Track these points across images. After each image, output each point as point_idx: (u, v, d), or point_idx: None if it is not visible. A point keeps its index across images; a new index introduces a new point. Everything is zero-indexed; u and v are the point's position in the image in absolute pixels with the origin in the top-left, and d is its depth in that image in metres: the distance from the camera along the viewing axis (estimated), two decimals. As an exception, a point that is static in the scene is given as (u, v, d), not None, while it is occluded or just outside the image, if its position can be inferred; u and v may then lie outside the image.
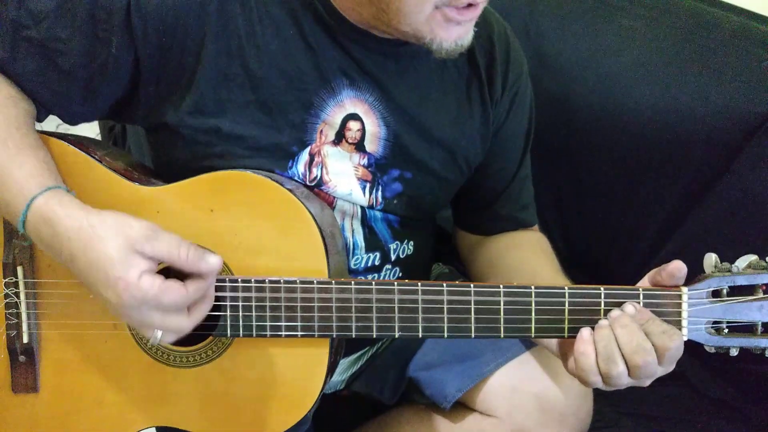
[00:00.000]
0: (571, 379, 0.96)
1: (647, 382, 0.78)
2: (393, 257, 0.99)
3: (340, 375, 1.11)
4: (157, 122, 0.88)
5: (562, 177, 1.45)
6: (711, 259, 0.80)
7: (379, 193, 0.95)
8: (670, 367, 0.78)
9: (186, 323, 0.74)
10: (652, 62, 1.33)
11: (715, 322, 0.79)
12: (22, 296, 0.85)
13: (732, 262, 0.80)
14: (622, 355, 0.75)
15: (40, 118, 0.87)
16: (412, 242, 1.02)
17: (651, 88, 1.32)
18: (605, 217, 1.41)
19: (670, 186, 1.34)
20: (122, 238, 0.71)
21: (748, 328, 0.79)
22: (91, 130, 1.82)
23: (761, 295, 0.78)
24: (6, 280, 0.85)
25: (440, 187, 1.00)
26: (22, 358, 0.86)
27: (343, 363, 1.10)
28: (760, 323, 0.79)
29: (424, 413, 1.09)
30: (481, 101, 0.98)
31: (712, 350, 0.81)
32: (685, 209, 1.33)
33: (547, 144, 1.39)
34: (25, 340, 0.86)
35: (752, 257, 0.80)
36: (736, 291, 0.79)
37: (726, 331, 0.79)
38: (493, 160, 1.04)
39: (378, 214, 0.96)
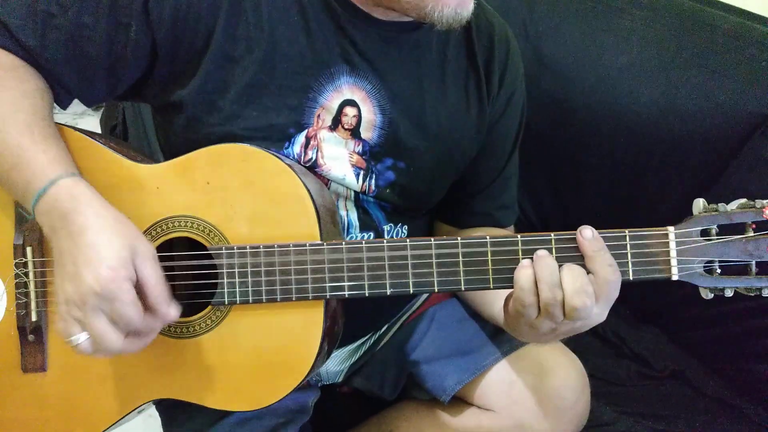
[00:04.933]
0: (569, 372, 0.98)
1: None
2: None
3: (340, 365, 1.12)
4: (166, 101, 0.92)
5: (561, 177, 1.46)
6: (699, 202, 0.80)
7: (372, 181, 0.97)
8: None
9: (117, 345, 0.76)
10: (650, 62, 1.35)
11: (707, 263, 0.79)
12: (31, 275, 0.89)
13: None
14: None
15: (63, 105, 0.92)
16: (406, 226, 1.03)
17: (650, 89, 1.34)
18: (604, 217, 1.42)
19: (669, 186, 1.35)
20: (133, 244, 0.77)
21: (741, 270, 0.78)
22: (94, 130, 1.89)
23: (752, 234, 0.77)
24: (16, 260, 0.89)
25: (433, 179, 1.02)
26: (31, 336, 0.89)
27: (342, 353, 1.11)
28: (754, 263, 0.78)
29: (423, 409, 1.09)
30: (478, 96, 1.01)
31: (708, 294, 0.80)
32: (683, 209, 1.28)
33: (547, 144, 1.42)
34: (34, 318, 0.89)
35: (742, 200, 0.80)
36: (726, 231, 0.78)
37: (719, 272, 0.78)
38: (481, 157, 1.05)
39: (370, 199, 0.98)
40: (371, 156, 0.96)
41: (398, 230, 1.02)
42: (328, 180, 0.95)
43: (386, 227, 1.01)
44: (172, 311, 0.79)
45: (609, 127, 1.38)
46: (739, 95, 1.27)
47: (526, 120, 1.09)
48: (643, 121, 1.35)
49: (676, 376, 1.34)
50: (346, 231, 0.97)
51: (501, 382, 1.02)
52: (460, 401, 1.06)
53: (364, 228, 0.98)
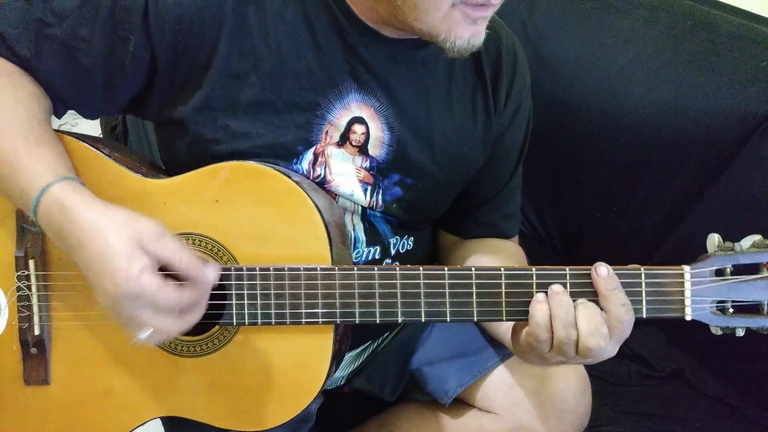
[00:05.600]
0: (570, 375, 0.98)
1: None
2: (393, 251, 1.00)
3: (343, 370, 1.12)
4: (168, 118, 0.90)
5: (561, 177, 1.46)
6: (714, 239, 0.80)
7: (380, 196, 0.96)
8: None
9: (175, 327, 0.75)
10: (650, 62, 1.35)
11: (719, 302, 0.79)
12: (34, 288, 0.87)
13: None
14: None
15: (58, 114, 0.90)
16: (412, 238, 1.03)
17: (650, 89, 1.34)
18: (603, 217, 1.42)
19: (668, 186, 1.35)
20: (131, 232, 0.73)
21: (753, 309, 0.79)
22: (94, 132, 1.86)
23: (766, 274, 0.77)
24: (18, 273, 0.87)
25: (440, 193, 1.01)
26: (33, 350, 0.88)
27: (346, 358, 1.11)
28: (766, 303, 0.78)
29: (424, 410, 1.09)
30: (485, 110, 1.00)
31: (719, 332, 0.80)
32: (683, 209, 1.34)
33: (547, 144, 1.41)
34: (37, 332, 0.87)
35: (756, 237, 0.79)
36: (740, 270, 0.78)
37: (731, 311, 0.79)
38: (486, 169, 1.05)
39: (377, 214, 0.97)
40: (378, 172, 0.95)
41: (404, 242, 1.02)
42: (336, 195, 0.94)
43: (392, 240, 1.00)
44: (210, 273, 0.76)
45: (609, 127, 1.38)
46: (739, 95, 1.27)
47: None
48: (643, 121, 1.35)
49: (676, 376, 1.35)
50: (353, 246, 0.96)
51: (502, 384, 1.02)
52: (461, 403, 1.06)
53: (370, 243, 0.97)
